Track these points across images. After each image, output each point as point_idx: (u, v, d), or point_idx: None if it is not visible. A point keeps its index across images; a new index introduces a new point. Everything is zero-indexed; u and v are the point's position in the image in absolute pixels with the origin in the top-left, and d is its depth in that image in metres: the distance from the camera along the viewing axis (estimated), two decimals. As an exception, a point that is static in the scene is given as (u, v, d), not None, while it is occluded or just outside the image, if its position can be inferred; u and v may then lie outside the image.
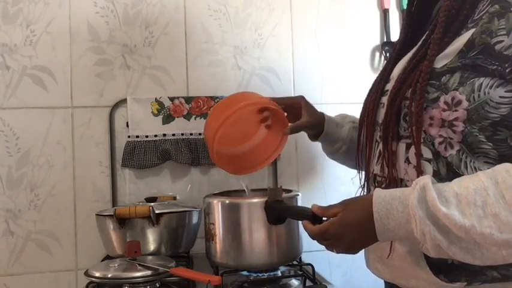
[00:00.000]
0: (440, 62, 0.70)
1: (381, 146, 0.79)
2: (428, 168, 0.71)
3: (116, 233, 1.12)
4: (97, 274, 0.93)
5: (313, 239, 0.76)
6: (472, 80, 0.67)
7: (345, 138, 1.05)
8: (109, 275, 0.93)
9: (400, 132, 0.76)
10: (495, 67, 0.65)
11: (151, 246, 1.12)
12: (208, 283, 0.85)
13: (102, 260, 1.16)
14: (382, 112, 0.82)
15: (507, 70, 0.64)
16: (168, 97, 1.38)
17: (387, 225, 0.66)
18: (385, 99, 0.81)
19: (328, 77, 1.50)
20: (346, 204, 0.74)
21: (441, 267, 0.70)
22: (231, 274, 1.02)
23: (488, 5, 0.67)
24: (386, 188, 0.74)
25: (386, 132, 0.77)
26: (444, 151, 0.70)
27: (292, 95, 1.46)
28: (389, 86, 0.82)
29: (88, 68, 1.35)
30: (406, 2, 0.93)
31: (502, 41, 0.64)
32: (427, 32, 0.77)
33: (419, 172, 0.71)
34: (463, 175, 0.67)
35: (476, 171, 0.67)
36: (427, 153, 0.71)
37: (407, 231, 0.64)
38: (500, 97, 0.66)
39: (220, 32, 1.43)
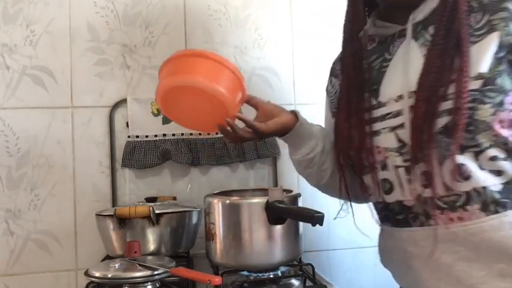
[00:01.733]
0: (482, 67, 0.71)
1: (422, 167, 0.74)
2: (507, 165, 0.72)
3: (116, 233, 1.12)
4: (97, 274, 0.93)
5: None
6: None
7: (319, 137, 0.95)
8: (109, 275, 0.93)
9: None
10: None
11: (151, 246, 1.12)
12: (208, 283, 0.85)
13: (102, 260, 1.16)
14: (389, 137, 0.80)
15: None
16: (168, 97, 1.38)
17: None
18: (383, 125, 0.81)
19: (328, 77, 1.50)
20: None
21: None
22: (231, 274, 1.03)
23: (486, 15, 0.72)
24: (465, 203, 0.73)
25: (430, 148, 0.73)
26: None
27: (292, 95, 1.47)
28: (387, 110, 0.81)
29: (88, 68, 1.35)
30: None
31: None
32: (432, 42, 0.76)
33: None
34: None
35: None
36: (501, 153, 0.72)
37: None
38: None
39: (220, 32, 1.43)
